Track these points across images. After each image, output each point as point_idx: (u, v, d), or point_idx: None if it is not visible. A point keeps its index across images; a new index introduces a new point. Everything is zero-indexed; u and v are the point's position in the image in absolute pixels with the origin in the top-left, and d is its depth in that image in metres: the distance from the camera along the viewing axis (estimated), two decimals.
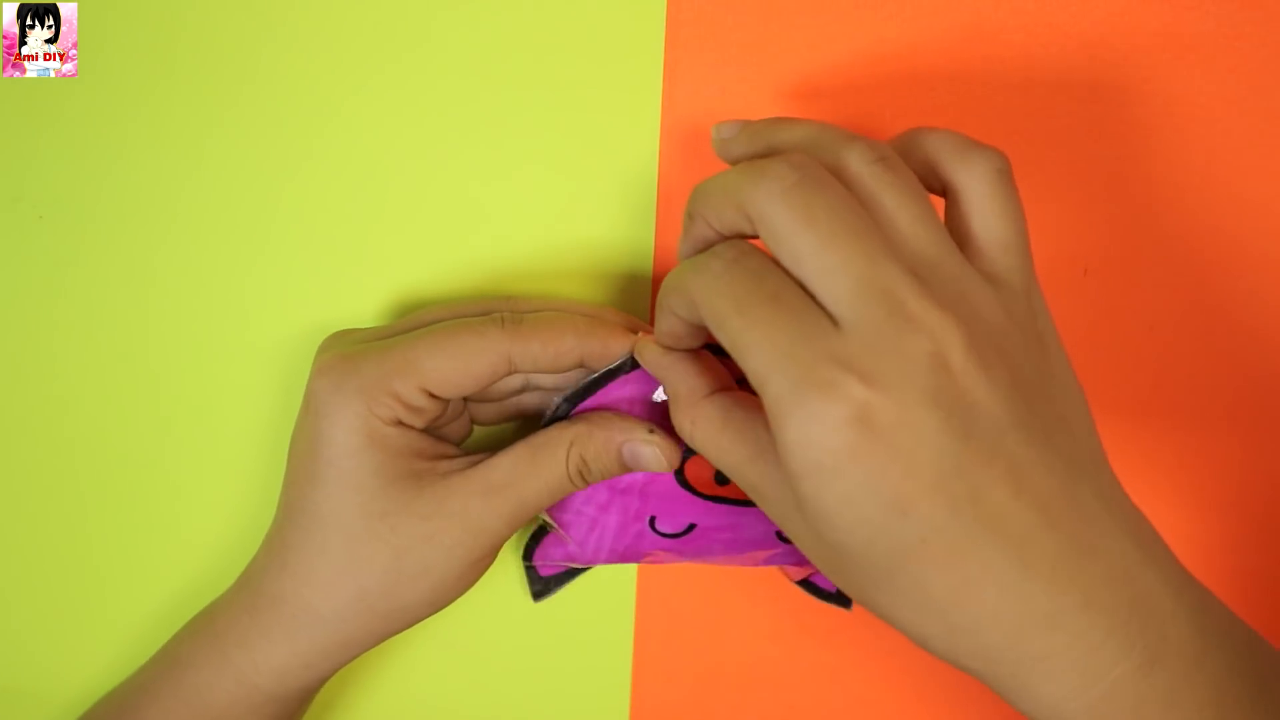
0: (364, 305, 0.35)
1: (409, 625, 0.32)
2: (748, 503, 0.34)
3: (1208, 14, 0.34)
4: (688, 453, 0.33)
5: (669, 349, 0.30)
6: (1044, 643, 0.25)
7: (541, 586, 0.37)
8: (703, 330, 0.29)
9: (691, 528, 0.34)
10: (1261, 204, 0.37)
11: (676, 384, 0.30)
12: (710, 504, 0.34)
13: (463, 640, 0.33)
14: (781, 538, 0.35)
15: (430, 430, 0.32)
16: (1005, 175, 0.28)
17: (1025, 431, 0.25)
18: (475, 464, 0.31)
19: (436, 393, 0.30)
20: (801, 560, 0.36)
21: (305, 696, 0.33)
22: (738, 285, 0.26)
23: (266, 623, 0.31)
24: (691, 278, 0.27)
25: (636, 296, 0.36)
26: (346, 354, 0.31)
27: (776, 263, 0.26)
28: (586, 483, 0.32)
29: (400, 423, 0.30)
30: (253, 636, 0.31)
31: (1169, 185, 0.36)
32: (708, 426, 0.29)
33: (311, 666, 0.31)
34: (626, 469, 0.32)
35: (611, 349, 0.31)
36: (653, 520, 0.34)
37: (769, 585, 0.40)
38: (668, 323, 0.29)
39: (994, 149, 0.28)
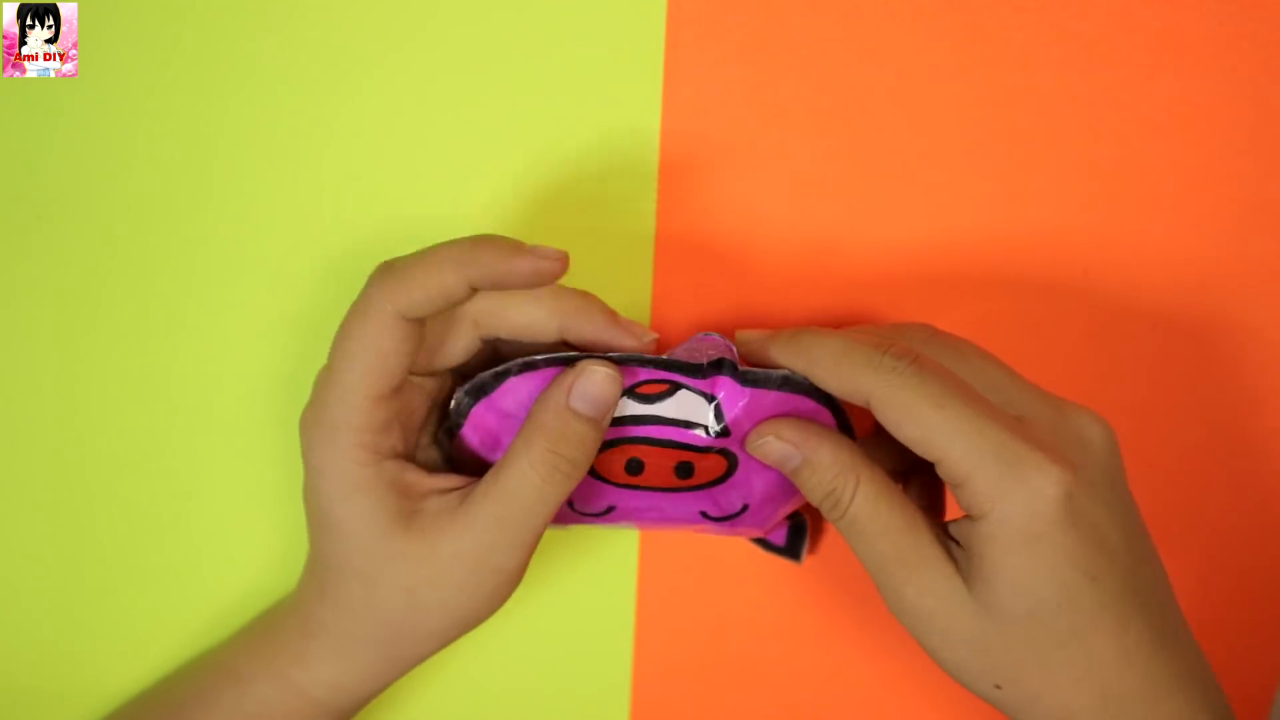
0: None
1: (450, 641, 0.32)
2: (667, 488, 0.33)
3: (1208, 14, 0.34)
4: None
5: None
6: (1167, 708, 0.29)
7: None
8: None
9: (611, 509, 0.34)
10: (1261, 204, 0.37)
11: (833, 450, 0.30)
12: (625, 490, 0.33)
13: (462, 640, 0.33)
14: (707, 518, 0.34)
15: (415, 459, 0.33)
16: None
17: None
18: (462, 501, 0.31)
19: (371, 393, 0.30)
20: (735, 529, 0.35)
21: (357, 708, 0.34)
22: (930, 385, 0.28)
23: (319, 647, 0.32)
24: (870, 376, 0.29)
25: (637, 297, 0.36)
26: (311, 401, 0.31)
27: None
28: (572, 478, 0.30)
29: (378, 453, 0.30)
30: (308, 657, 0.33)
31: (1169, 185, 0.36)
32: (873, 489, 0.30)
33: (364, 681, 0.33)
34: (595, 422, 0.30)
35: (498, 270, 0.29)
36: (570, 503, 0.33)
37: (771, 584, 0.40)
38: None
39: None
